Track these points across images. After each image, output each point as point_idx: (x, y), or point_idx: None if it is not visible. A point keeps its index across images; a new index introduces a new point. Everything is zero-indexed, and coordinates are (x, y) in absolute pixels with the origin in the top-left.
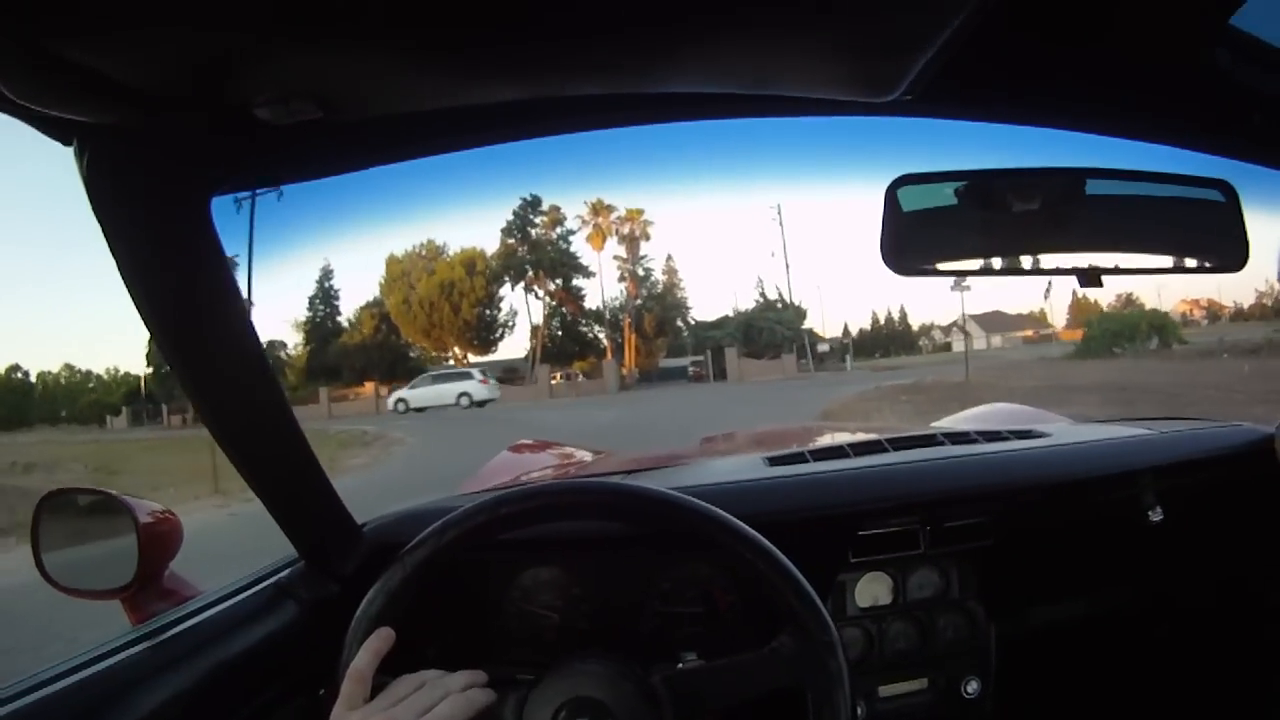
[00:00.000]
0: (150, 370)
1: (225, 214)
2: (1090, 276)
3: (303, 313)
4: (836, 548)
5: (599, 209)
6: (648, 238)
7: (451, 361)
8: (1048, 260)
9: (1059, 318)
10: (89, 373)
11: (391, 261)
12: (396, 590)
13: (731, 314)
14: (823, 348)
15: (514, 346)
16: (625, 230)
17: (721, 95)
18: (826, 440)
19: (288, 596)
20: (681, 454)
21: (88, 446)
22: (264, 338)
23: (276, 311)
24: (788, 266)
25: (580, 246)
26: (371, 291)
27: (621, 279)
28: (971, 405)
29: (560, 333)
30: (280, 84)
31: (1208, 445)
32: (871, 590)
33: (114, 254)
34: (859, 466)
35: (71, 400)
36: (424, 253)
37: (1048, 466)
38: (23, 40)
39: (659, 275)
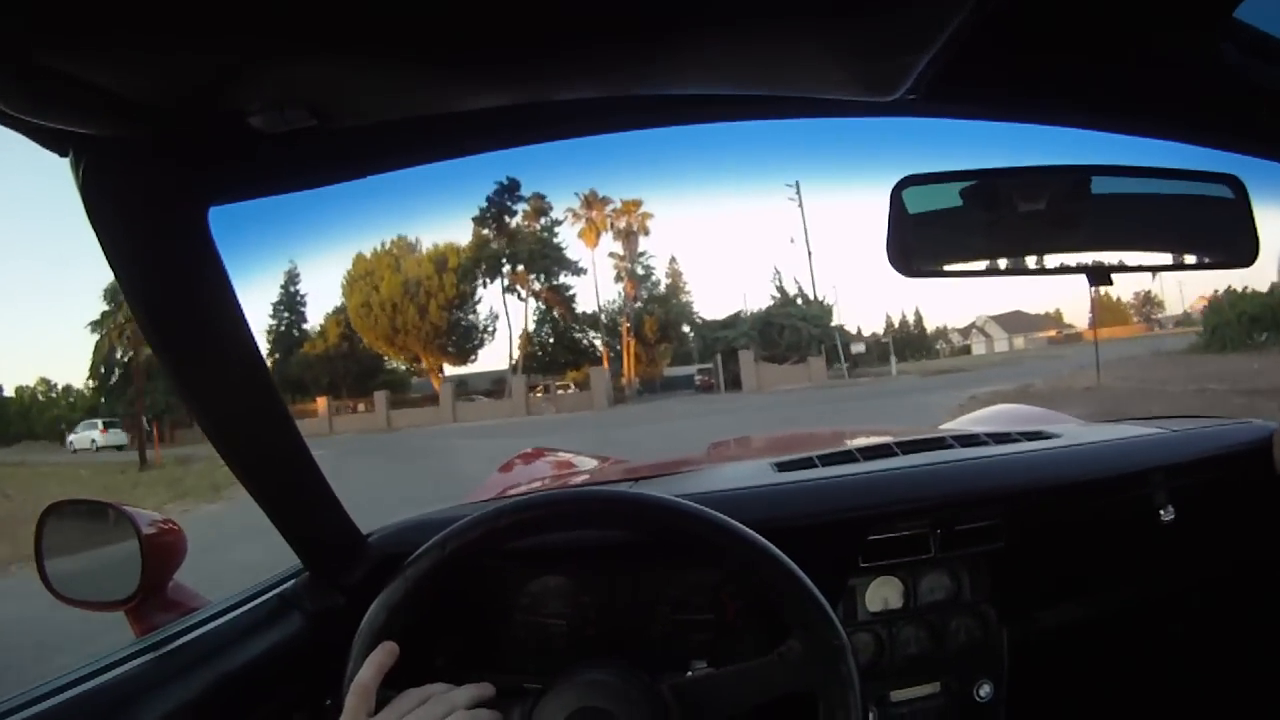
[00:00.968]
0: (96, 382)
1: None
2: (1099, 274)
3: (266, 320)
4: (846, 552)
5: (592, 201)
6: (646, 232)
7: (425, 368)
8: (1054, 259)
9: (1079, 317)
10: (68, 387)
11: (359, 260)
12: (399, 603)
13: (746, 313)
14: (857, 348)
15: (501, 355)
16: (621, 224)
17: (723, 97)
18: (835, 445)
19: (292, 608)
20: (689, 460)
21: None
22: None
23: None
24: (810, 254)
25: (572, 243)
26: (340, 295)
27: (618, 279)
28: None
29: (551, 340)
30: (275, 92)
31: (1220, 443)
32: (882, 594)
33: (111, 265)
34: (868, 471)
35: (38, 416)
36: (394, 249)
37: (1058, 467)
38: (17, 53)
39: (661, 274)
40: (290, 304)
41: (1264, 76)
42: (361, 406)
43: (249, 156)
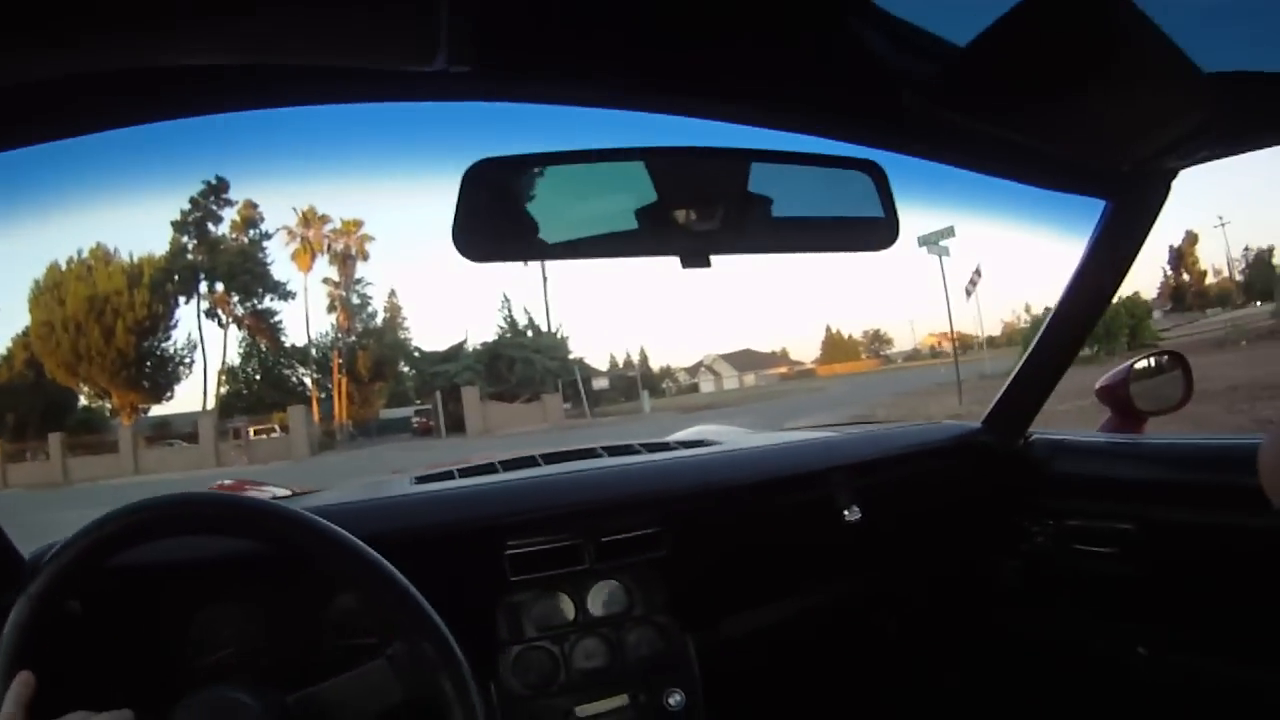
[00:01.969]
0: None
1: None
2: (695, 257)
3: None
4: (490, 565)
5: (310, 219)
6: (365, 256)
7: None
8: (645, 243)
9: (807, 354)
10: None
11: (51, 270)
12: (26, 621)
13: (470, 346)
14: (600, 384)
15: (205, 393)
16: (339, 246)
17: (226, 70)
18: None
19: None
20: None
21: None
22: None
23: None
24: (545, 279)
25: (281, 264)
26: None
27: (332, 308)
28: None
29: (259, 377)
30: None
31: (900, 443)
32: (547, 610)
33: None
34: (506, 480)
35: None
36: (91, 260)
37: (713, 471)
38: None
39: (379, 305)
40: None
41: (903, 63)
42: (44, 453)
43: None
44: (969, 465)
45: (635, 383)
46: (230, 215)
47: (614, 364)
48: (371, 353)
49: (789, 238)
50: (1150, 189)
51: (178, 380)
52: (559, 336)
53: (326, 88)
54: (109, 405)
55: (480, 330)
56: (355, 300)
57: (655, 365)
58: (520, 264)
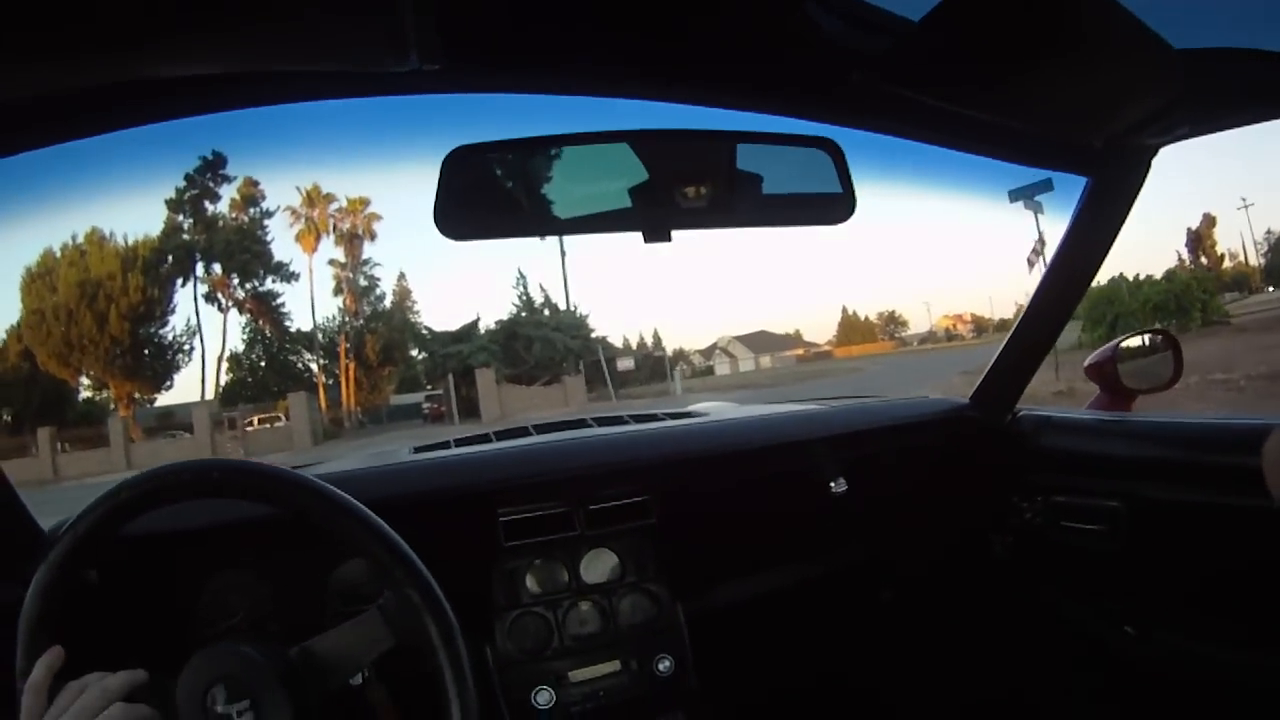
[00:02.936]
0: None
1: None
2: (657, 232)
3: None
4: (485, 530)
5: (315, 199)
6: (373, 236)
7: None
8: (609, 219)
9: (822, 335)
10: None
11: (46, 256)
12: (49, 587)
13: (485, 324)
14: (625, 364)
15: (208, 382)
16: (346, 226)
17: (215, 77)
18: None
19: None
20: None
21: None
22: None
23: None
24: (563, 253)
25: (284, 245)
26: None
27: (338, 290)
28: None
29: (263, 364)
30: None
31: (887, 416)
32: (544, 576)
33: None
34: (499, 448)
35: None
36: (85, 245)
37: (699, 440)
38: None
39: (388, 287)
40: None
41: (853, 41)
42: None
43: None
44: (956, 440)
45: (662, 362)
46: (229, 193)
47: (628, 345)
48: (380, 336)
49: (750, 213)
50: (1129, 166)
51: (177, 368)
52: (578, 314)
53: (311, 88)
54: (111, 396)
55: (494, 310)
56: (363, 282)
57: (669, 347)
58: (537, 240)
